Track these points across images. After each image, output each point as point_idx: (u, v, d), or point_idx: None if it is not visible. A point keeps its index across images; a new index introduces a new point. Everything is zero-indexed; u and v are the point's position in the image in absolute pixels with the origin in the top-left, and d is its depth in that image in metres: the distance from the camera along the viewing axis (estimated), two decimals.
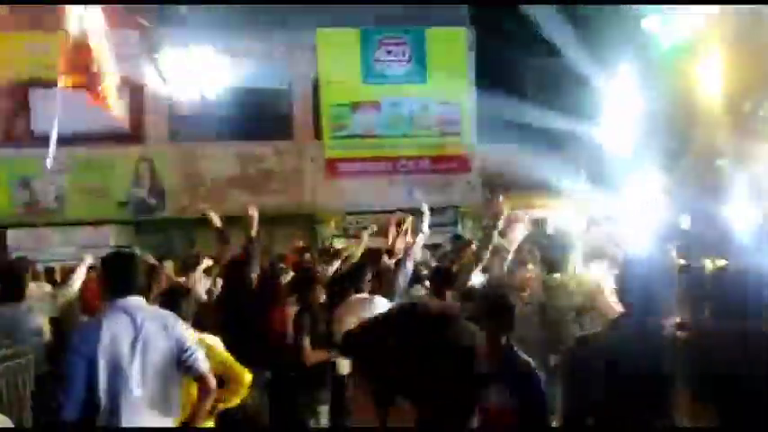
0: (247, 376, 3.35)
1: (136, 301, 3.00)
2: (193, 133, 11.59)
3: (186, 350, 2.99)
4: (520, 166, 11.48)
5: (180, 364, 2.98)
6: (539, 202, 10.70)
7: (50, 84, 11.29)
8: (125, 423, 2.87)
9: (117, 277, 3.06)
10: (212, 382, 3.06)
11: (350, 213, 11.30)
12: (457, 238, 7.65)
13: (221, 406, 3.31)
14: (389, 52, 11.65)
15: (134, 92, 11.57)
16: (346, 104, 11.54)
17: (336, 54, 11.50)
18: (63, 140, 11.20)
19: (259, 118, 11.85)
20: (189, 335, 3.12)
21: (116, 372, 2.89)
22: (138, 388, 2.91)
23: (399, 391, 0.96)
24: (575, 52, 12.01)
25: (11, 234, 10.88)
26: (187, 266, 5.97)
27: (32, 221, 10.94)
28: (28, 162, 11.09)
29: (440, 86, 11.59)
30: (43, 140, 11.33)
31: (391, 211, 10.46)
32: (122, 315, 2.94)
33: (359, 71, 11.59)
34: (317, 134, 11.66)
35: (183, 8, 11.04)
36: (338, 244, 9.11)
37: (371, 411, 0.98)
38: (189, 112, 11.88)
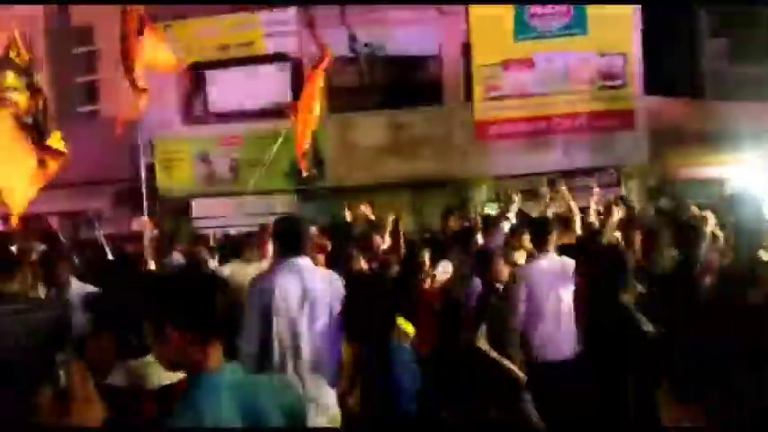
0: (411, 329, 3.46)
1: (303, 261, 3.16)
2: (350, 104, 11.99)
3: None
4: (694, 120, 10.40)
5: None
6: (715, 161, 9.58)
7: (222, 65, 12.50)
8: (291, 377, 2.98)
9: (286, 239, 3.24)
10: None
11: (501, 177, 11.03)
12: (622, 200, 7.05)
13: None
14: (545, 5, 11.01)
15: (293, 67, 12.28)
16: (497, 64, 11.16)
17: (489, 13, 11.12)
18: (235, 117, 12.43)
19: (409, 85, 11.93)
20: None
21: (287, 327, 3.05)
22: (305, 345, 3.06)
23: None
24: None
25: (194, 204, 12.18)
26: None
27: (211, 192, 12.12)
28: (206, 139, 12.31)
29: (602, 37, 10.75)
30: (218, 118, 12.61)
31: (545, 174, 10.07)
32: (291, 273, 3.11)
33: (512, 28, 11.12)
34: (467, 98, 11.46)
35: None
36: (490, 209, 8.93)
37: None
38: (345, 83, 12.34)
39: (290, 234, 3.26)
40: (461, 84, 11.55)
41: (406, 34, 11.57)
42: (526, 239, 4.84)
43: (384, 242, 5.71)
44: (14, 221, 5.55)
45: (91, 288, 4.51)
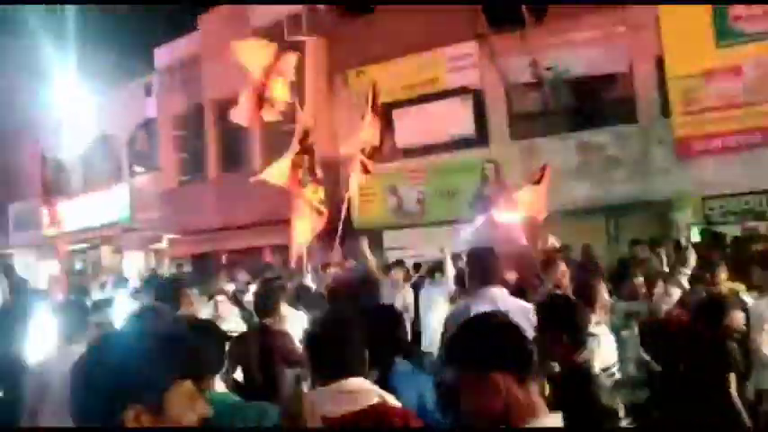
0: None
1: (497, 290, 3.27)
2: (532, 129, 11.85)
3: None
4: None
5: None
6: None
7: (407, 104, 13.17)
8: None
9: (479, 269, 3.39)
10: None
11: (710, 197, 10.00)
12: None
13: None
14: (751, 6, 9.92)
15: (475, 98, 12.52)
16: (698, 75, 10.24)
17: (684, 21, 10.32)
18: (420, 151, 12.96)
19: (599, 105, 11.47)
20: None
21: None
22: None
23: None
24: None
25: (386, 235, 12.83)
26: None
27: (400, 224, 12.69)
28: (395, 173, 12.97)
29: None
30: (405, 153, 13.25)
31: (763, 192, 8.98)
32: (487, 303, 3.20)
33: (712, 35, 10.17)
34: (664, 114, 10.66)
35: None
36: (695, 234, 8.17)
37: None
38: (528, 109, 12.25)
39: (481, 265, 3.36)
40: (656, 99, 10.79)
41: (591, 54, 11.18)
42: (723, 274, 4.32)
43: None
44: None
45: (302, 314, 5.00)
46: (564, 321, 2.73)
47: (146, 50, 18.56)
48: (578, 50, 11.25)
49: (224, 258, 15.06)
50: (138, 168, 19.28)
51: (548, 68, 11.55)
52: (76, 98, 21.75)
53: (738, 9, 9.95)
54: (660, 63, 10.61)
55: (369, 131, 5.88)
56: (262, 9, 14.66)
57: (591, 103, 11.48)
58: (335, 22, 13.62)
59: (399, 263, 8.22)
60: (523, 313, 3.18)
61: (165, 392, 1.21)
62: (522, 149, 11.78)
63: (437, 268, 7.25)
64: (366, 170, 6.11)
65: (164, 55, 17.98)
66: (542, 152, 11.55)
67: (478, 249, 3.60)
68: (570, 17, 10.82)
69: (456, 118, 12.63)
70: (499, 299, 3.23)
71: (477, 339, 1.56)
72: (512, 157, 11.80)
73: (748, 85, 9.92)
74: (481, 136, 12.39)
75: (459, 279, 5.52)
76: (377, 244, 12.48)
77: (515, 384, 1.44)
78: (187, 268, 14.07)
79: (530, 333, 3.01)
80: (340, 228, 7.57)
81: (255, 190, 14.92)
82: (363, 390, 2.04)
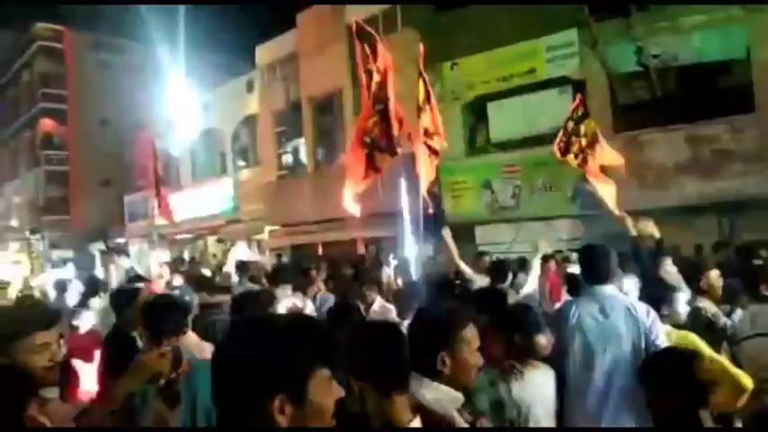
0: (748, 381, 2.88)
1: (605, 288, 3.15)
2: (637, 120, 11.23)
3: (648, 336, 2.94)
4: None
5: (646, 350, 2.92)
6: None
7: (503, 96, 12.88)
8: (584, 412, 2.93)
9: (588, 266, 3.30)
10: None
11: None
12: None
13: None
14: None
15: (575, 88, 12.03)
16: None
17: None
18: (516, 145, 12.65)
19: (711, 94, 10.67)
20: (657, 323, 3.02)
21: (582, 356, 3.02)
22: (600, 379, 2.95)
23: None
24: None
25: (478, 230, 12.65)
26: None
27: (494, 218, 12.46)
28: (489, 167, 12.74)
29: None
30: (499, 147, 12.98)
31: None
32: (592, 302, 3.11)
33: None
34: None
35: None
36: None
37: None
38: (632, 99, 11.62)
39: (591, 262, 3.27)
40: None
41: (702, 39, 10.43)
42: None
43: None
44: None
45: (390, 306, 5.04)
46: None
47: (248, 49, 19.38)
48: (688, 36, 10.53)
49: (320, 250, 15.45)
50: (240, 162, 20.17)
51: (654, 56, 10.90)
52: (185, 96, 23.11)
53: None
54: None
55: (426, 117, 5.77)
56: (357, 5, 14.83)
57: (702, 93, 10.71)
58: (429, 15, 13.54)
59: (482, 254, 7.98)
60: (625, 306, 3.06)
61: (308, 381, 1.22)
62: (626, 143, 11.19)
63: (522, 266, 6.88)
64: (433, 152, 5.96)
65: (264, 53, 18.67)
66: (648, 145, 10.95)
67: (588, 246, 3.44)
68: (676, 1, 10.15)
69: (554, 110, 12.19)
70: (605, 297, 3.09)
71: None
72: (616, 150, 11.28)
73: None
74: None
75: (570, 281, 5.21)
76: (468, 239, 12.34)
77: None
78: (285, 259, 14.56)
79: (647, 321, 2.95)
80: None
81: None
82: None
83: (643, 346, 2.94)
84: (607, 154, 6.15)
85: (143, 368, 1.88)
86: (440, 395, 1.95)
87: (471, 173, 12.92)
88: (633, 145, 11.06)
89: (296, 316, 1.58)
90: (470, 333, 2.05)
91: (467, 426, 1.97)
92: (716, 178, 10.07)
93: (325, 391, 1.24)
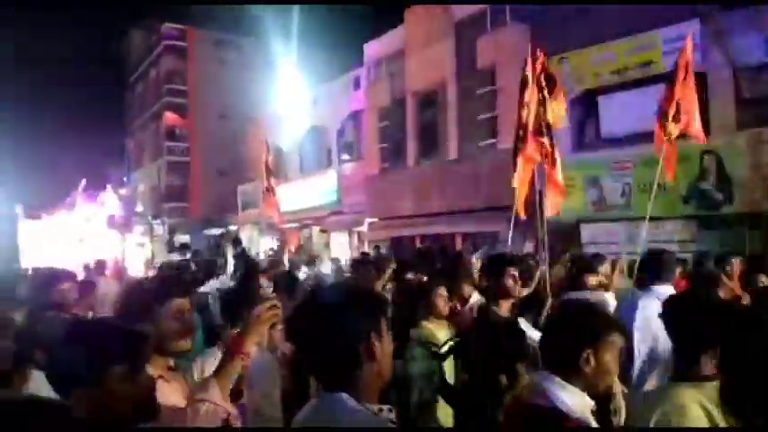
0: None
1: (663, 288, 3.59)
2: (764, 117, 10.41)
3: None
4: None
5: None
6: None
7: (615, 89, 12.34)
8: None
9: (649, 267, 3.87)
10: None
11: None
12: None
13: None
14: None
15: (696, 82, 11.30)
16: None
17: None
18: (628, 140, 12.09)
19: None
20: None
21: (648, 355, 3.44)
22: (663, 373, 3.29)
23: None
24: None
25: (584, 229, 12.24)
26: None
27: (601, 217, 11.99)
28: (597, 163, 12.28)
29: None
30: (610, 143, 12.46)
31: None
32: (655, 300, 3.40)
33: None
34: None
35: None
36: None
37: None
38: (759, 94, 10.78)
39: (652, 263, 3.88)
40: None
41: None
42: None
43: None
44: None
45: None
46: None
47: (354, 46, 19.84)
48: None
49: (418, 242, 15.60)
50: (345, 156, 20.74)
51: None
52: (295, 91, 24.05)
53: None
54: None
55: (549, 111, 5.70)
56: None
57: None
58: (538, 8, 13.23)
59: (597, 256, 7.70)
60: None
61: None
62: (751, 139, 10.42)
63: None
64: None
65: (372, 49, 19.03)
66: None
67: (655, 249, 4.11)
68: None
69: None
70: (662, 296, 3.25)
71: None
72: (737, 149, 10.54)
73: None
74: (702, 123, 11.17)
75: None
76: (573, 238, 12.00)
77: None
78: (384, 251, 14.83)
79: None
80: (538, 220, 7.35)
81: (450, 179, 15.26)
82: None
83: None
84: None
85: (261, 319, 2.10)
86: (578, 399, 1.94)
87: (577, 169, 12.52)
88: (758, 142, 10.28)
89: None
90: (617, 338, 2.02)
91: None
92: None
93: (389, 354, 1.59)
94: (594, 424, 1.95)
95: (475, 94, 14.86)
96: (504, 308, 3.54)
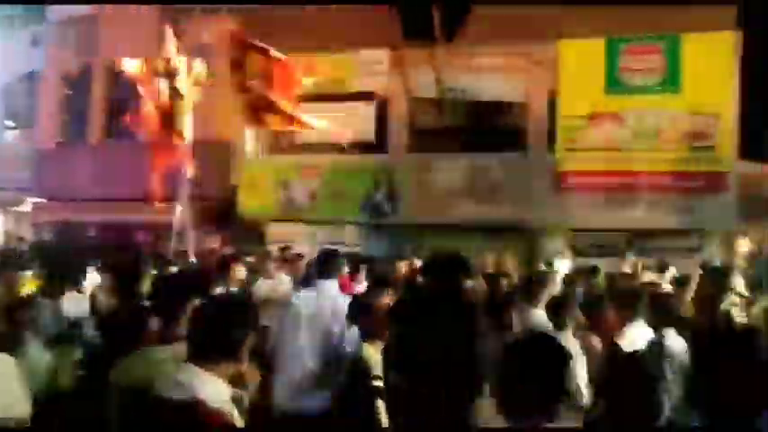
0: None
1: (330, 283, 4.12)
2: (429, 145, 12.14)
3: None
4: None
5: None
6: None
7: (314, 99, 13.00)
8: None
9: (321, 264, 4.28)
10: None
11: (577, 230, 10.72)
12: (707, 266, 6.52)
13: None
14: (639, 60, 10.80)
15: (380, 105, 12.65)
16: (584, 116, 11.00)
17: (578, 65, 11.05)
18: (317, 149, 12.86)
19: (492, 130, 11.94)
20: None
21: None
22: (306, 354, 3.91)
23: None
24: None
25: (270, 228, 12.58)
26: None
27: (288, 218, 12.49)
28: (289, 167, 12.77)
29: (695, 97, 10.41)
30: (303, 148, 13.10)
31: (624, 231, 9.73)
32: (314, 293, 3.99)
33: (602, 82, 10.98)
34: (550, 148, 11.32)
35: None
36: (559, 263, 8.67)
37: None
38: (427, 125, 12.53)
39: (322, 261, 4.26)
40: (546, 132, 11.42)
41: (491, 80, 11.68)
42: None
43: None
44: None
45: None
46: None
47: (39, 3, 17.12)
48: (480, 75, 11.70)
49: (93, 231, 14.10)
50: (9, 122, 17.69)
51: (450, 88, 11.90)
52: None
53: (628, 61, 10.80)
54: (553, 100, 11.26)
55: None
56: None
57: (485, 128, 11.94)
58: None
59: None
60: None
61: None
62: (418, 163, 12.05)
63: None
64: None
65: (59, 9, 16.67)
66: (435, 167, 11.87)
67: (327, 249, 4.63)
68: (477, 42, 11.20)
69: (359, 122, 12.64)
70: (325, 291, 4.15)
71: None
72: (406, 169, 12.05)
73: (627, 133, 10.78)
74: (380, 142, 12.52)
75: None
76: (259, 235, 12.24)
77: None
78: (48, 236, 13.05)
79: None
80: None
81: (139, 162, 14.13)
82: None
83: None
84: None
85: None
86: (219, 388, 2.04)
87: (271, 169, 12.86)
88: (423, 166, 11.95)
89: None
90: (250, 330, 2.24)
91: None
92: (487, 205, 11.21)
93: None
94: (235, 413, 2.04)
95: None
96: None
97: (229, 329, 2.04)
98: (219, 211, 12.24)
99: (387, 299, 3.51)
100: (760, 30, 9.89)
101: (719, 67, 10.27)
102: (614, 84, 10.89)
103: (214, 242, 10.44)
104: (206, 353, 2.01)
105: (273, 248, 8.69)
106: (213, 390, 1.95)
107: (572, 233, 10.80)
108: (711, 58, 10.32)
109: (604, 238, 10.51)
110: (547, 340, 2.08)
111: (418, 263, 6.76)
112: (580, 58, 11.04)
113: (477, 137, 11.86)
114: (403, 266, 6.86)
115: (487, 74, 11.67)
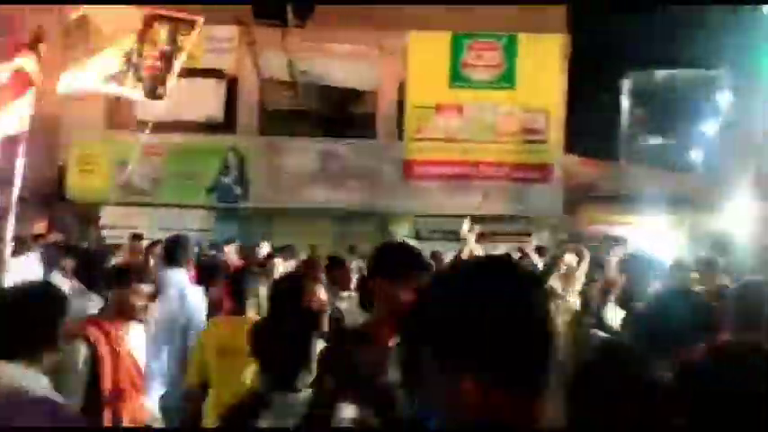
0: None
1: (177, 272, 4.07)
2: (281, 127, 11.94)
3: None
4: (608, 180, 10.99)
5: None
6: (621, 220, 10.10)
7: None
8: None
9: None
10: None
11: (422, 216, 11.20)
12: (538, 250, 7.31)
13: None
14: (479, 57, 11.44)
15: (229, 84, 12.16)
16: (430, 107, 11.46)
17: (426, 57, 11.46)
18: (161, 127, 12.05)
19: (343, 117, 12.05)
20: None
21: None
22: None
23: None
24: (678, 64, 11.32)
25: (105, 212, 11.63)
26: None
27: (127, 201, 11.63)
28: (128, 146, 11.86)
29: (528, 94, 11.28)
30: (143, 125, 12.20)
31: (464, 217, 10.24)
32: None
33: (446, 75, 11.49)
34: (400, 136, 11.66)
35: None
36: None
37: None
38: (278, 106, 12.31)
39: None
40: (395, 120, 11.74)
41: (344, 67, 11.73)
42: None
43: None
44: None
45: None
46: None
47: None
48: (333, 62, 11.70)
49: None
50: None
51: (303, 71, 11.77)
52: None
53: (470, 57, 11.39)
54: (402, 89, 11.58)
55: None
56: None
57: (337, 114, 12.02)
58: None
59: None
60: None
61: None
62: (268, 144, 11.80)
63: None
64: None
65: None
66: (286, 151, 11.72)
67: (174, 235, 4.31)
68: (330, 29, 11.16)
69: (206, 100, 12.06)
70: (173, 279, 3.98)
71: None
72: (257, 150, 11.75)
73: (467, 125, 11.41)
74: (229, 123, 12.08)
75: None
76: (91, 220, 11.31)
77: None
78: None
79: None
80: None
81: None
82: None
83: None
84: None
85: None
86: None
87: (106, 148, 11.86)
88: (273, 148, 11.73)
89: None
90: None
91: None
92: (338, 190, 11.30)
93: None
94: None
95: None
96: None
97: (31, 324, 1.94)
98: (44, 194, 11.10)
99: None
100: (586, 34, 10.92)
101: (550, 68, 11.21)
102: (457, 77, 11.46)
103: (40, 228, 9.47)
104: (12, 350, 1.90)
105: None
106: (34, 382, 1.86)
107: (418, 218, 11.24)
108: (543, 58, 11.23)
109: (446, 224, 11.08)
110: None
111: (267, 248, 6.72)
112: (428, 51, 11.46)
113: (328, 122, 11.90)
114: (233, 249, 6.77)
115: (340, 60, 11.70)
